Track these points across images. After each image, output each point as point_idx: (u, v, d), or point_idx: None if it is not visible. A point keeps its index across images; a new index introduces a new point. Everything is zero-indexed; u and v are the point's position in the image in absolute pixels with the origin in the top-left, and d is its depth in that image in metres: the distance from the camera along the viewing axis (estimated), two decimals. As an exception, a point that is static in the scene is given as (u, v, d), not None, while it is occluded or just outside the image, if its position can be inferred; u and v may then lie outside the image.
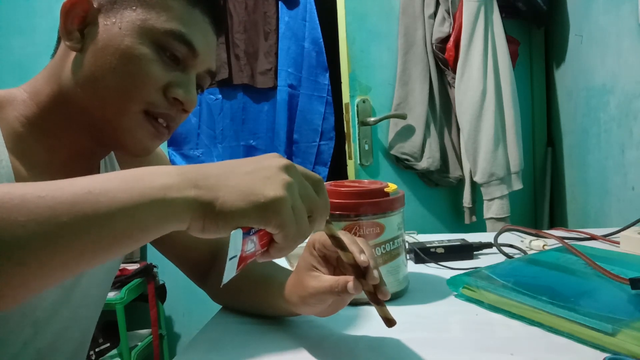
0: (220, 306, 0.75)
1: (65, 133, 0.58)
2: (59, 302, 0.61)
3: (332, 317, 0.59)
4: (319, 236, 0.56)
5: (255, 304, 0.68)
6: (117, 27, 0.54)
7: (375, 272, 0.51)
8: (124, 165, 0.70)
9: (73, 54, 0.55)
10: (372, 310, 0.69)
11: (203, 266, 0.75)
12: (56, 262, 0.36)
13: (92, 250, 0.37)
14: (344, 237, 0.53)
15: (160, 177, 0.39)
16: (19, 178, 0.54)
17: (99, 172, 0.66)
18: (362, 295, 0.71)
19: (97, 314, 0.73)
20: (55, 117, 0.57)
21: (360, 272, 0.51)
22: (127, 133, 0.57)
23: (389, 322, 0.51)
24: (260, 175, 0.41)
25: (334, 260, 0.56)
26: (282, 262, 0.94)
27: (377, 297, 0.51)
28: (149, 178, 0.39)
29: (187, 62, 0.58)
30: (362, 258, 0.51)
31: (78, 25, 0.55)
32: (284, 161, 0.43)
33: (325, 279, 0.54)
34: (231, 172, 0.42)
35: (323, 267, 0.56)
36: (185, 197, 0.39)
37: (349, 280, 0.50)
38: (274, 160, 0.43)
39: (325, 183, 0.77)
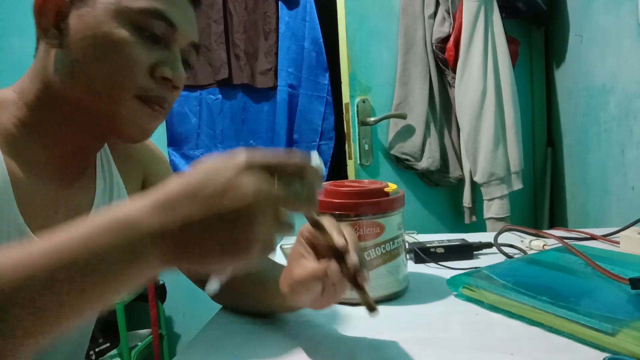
0: (220, 306, 0.75)
1: (59, 130, 0.57)
2: None
3: (331, 317, 0.59)
4: (308, 225, 0.56)
5: (254, 302, 0.68)
6: (91, 15, 0.53)
7: (354, 255, 0.51)
8: (118, 161, 0.70)
9: (54, 50, 0.55)
10: (372, 310, 0.69)
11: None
12: (41, 329, 0.36)
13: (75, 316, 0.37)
14: (326, 221, 0.53)
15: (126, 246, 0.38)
16: (14, 179, 0.54)
17: (95, 167, 0.66)
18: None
19: (96, 314, 0.73)
20: (46, 116, 0.57)
21: (341, 256, 0.51)
22: (124, 121, 0.56)
23: (370, 308, 0.51)
24: (230, 227, 0.38)
25: (323, 248, 0.56)
26: (282, 262, 0.94)
27: (357, 281, 0.51)
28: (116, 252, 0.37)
29: (168, 38, 0.56)
30: (338, 240, 0.51)
31: (53, 22, 0.54)
32: (252, 186, 0.38)
33: (309, 265, 0.54)
34: (199, 231, 0.38)
35: (311, 255, 0.56)
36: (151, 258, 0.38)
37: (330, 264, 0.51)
38: (241, 193, 0.38)
39: (325, 183, 0.77)
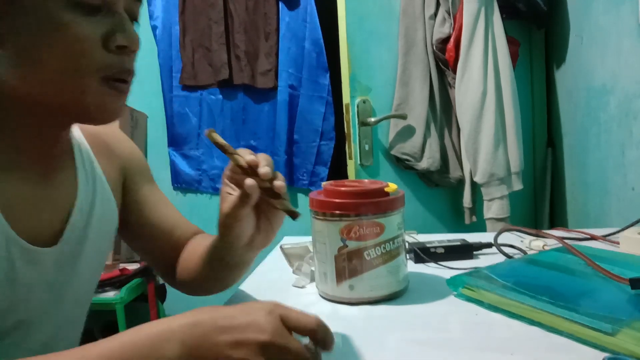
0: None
1: (24, 128, 0.56)
2: (50, 303, 0.61)
3: (331, 317, 0.59)
4: (231, 165, 0.59)
5: (219, 273, 0.71)
6: (22, 9, 0.49)
7: (265, 168, 0.56)
8: (99, 157, 0.69)
9: None
10: (372, 310, 0.70)
11: (171, 264, 0.78)
12: None
13: None
14: (239, 150, 0.58)
15: None
16: None
17: (74, 162, 0.65)
18: (363, 295, 0.71)
19: (86, 312, 0.72)
20: (5, 117, 0.55)
21: (255, 173, 0.56)
22: (91, 107, 0.54)
23: (292, 214, 0.57)
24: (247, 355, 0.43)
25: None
26: (282, 261, 0.94)
27: (273, 191, 0.56)
28: None
29: (108, 2, 0.53)
30: (247, 157, 0.56)
31: None
32: (272, 324, 0.44)
33: (233, 196, 0.58)
34: None
35: (236, 190, 0.59)
36: None
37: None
38: (261, 328, 0.44)
39: (325, 183, 0.77)
